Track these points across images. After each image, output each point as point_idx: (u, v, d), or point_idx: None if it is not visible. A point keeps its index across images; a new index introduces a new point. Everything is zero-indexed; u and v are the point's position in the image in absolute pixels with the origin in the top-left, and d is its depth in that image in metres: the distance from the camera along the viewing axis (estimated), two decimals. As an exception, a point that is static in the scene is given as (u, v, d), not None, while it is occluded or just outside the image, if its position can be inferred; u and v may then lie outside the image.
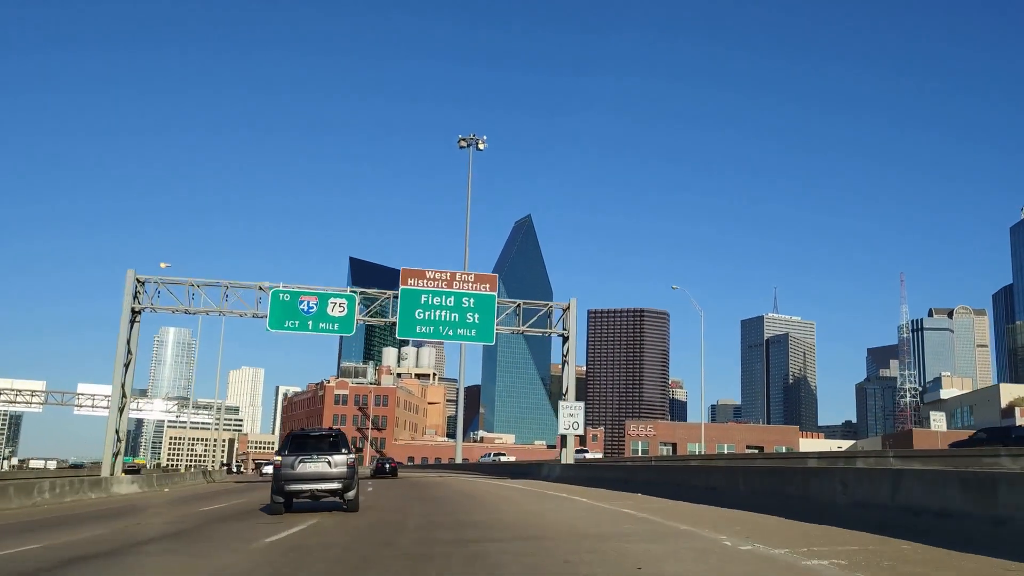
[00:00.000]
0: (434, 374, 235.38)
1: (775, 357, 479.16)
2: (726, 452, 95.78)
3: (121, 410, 39.92)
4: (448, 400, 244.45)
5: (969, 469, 13.75)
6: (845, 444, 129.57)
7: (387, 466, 56.43)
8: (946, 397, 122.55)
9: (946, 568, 8.60)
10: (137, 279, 40.36)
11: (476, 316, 41.92)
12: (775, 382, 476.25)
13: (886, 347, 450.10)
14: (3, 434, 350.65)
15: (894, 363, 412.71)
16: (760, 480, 18.31)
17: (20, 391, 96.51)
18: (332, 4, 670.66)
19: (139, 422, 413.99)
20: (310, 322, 40.97)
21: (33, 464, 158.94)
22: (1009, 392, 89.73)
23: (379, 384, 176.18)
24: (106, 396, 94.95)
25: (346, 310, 41.39)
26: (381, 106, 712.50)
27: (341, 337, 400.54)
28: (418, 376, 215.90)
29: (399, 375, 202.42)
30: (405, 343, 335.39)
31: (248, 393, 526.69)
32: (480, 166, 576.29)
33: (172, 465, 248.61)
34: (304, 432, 21.66)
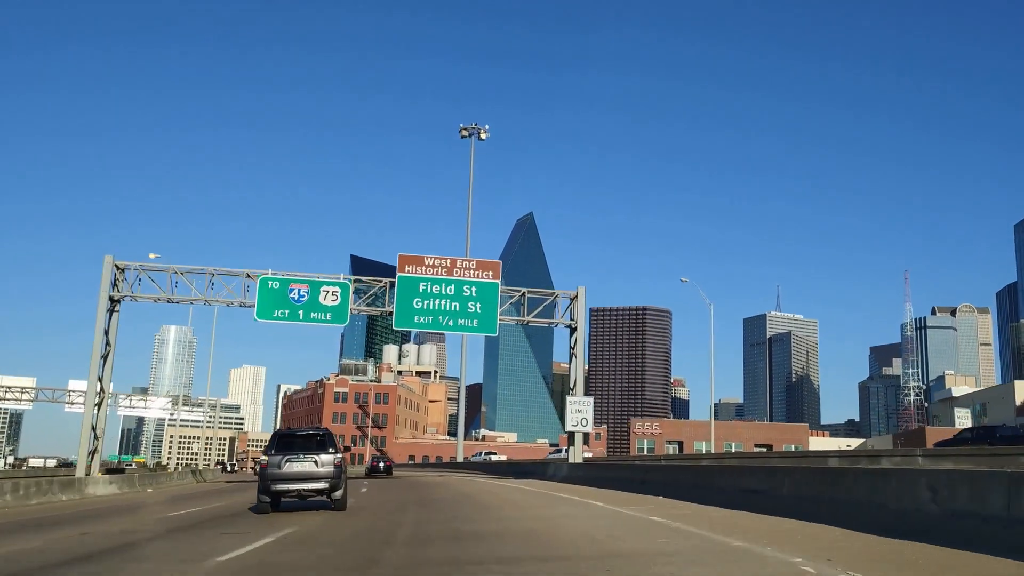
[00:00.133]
0: (435, 372, 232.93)
1: (778, 355, 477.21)
2: (734, 450, 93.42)
3: (98, 405, 37.36)
4: (449, 398, 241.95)
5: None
6: (854, 443, 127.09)
7: (382, 465, 54.42)
8: (958, 395, 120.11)
9: None
10: (116, 265, 37.77)
11: (478, 305, 39.27)
12: (778, 380, 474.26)
13: (889, 345, 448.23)
14: (3, 433, 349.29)
15: (897, 361, 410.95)
16: (808, 482, 15.69)
17: (10, 388, 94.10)
18: (332, 2, 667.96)
19: (140, 420, 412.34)
20: (301, 312, 38.37)
21: (33, 463, 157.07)
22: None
23: (379, 382, 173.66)
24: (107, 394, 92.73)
25: (339, 299, 38.80)
26: (381, 104, 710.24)
27: (343, 335, 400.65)
28: (419, 374, 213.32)
29: (400, 373, 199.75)
30: (406, 340, 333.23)
31: (249, 391, 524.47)
32: (481, 165, 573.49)
33: (176, 464, 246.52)
34: (291, 431, 21.42)
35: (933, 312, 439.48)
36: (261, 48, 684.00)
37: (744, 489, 18.21)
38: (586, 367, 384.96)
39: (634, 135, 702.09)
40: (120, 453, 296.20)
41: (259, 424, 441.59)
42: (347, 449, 26.79)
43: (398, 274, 39.42)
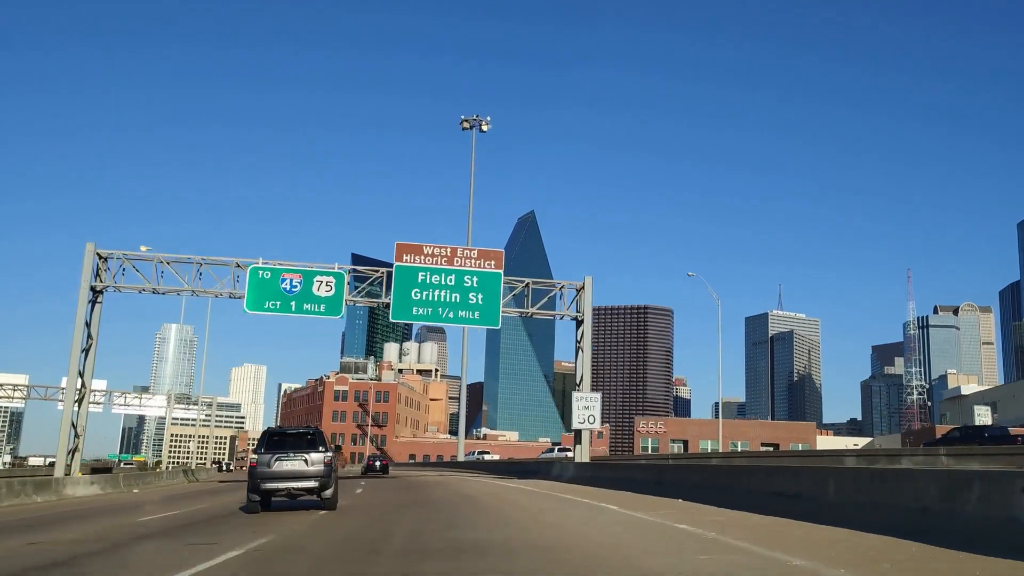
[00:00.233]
0: (436, 370, 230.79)
1: (780, 354, 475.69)
2: (739, 450, 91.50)
3: (79, 402, 35.43)
4: (451, 398, 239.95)
5: None
6: (861, 441, 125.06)
7: (378, 464, 52.81)
8: (967, 392, 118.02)
9: None
10: (98, 254, 35.82)
11: (480, 296, 37.27)
12: (779, 379, 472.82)
13: (891, 344, 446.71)
14: (3, 431, 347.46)
15: (899, 361, 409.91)
16: (861, 485, 13.69)
17: (2, 385, 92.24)
18: (333, 1, 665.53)
19: (141, 419, 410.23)
20: (293, 303, 36.42)
21: (33, 461, 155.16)
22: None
23: (380, 380, 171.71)
24: (91, 390, 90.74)
25: (334, 290, 36.83)
26: (381, 102, 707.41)
27: (344, 333, 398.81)
28: (420, 372, 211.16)
29: (400, 371, 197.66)
30: (407, 338, 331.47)
31: (250, 390, 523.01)
32: (482, 163, 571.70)
33: (173, 463, 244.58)
34: (281, 430, 21.10)
35: (935, 311, 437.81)
36: (261, 47, 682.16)
37: (777, 492, 16.22)
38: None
39: (635, 134, 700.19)
40: (121, 452, 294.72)
41: (260, 423, 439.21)
42: (338, 448, 25.17)
43: (395, 264, 37.48)
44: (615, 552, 10.86)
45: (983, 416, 55.03)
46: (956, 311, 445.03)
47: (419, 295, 37.07)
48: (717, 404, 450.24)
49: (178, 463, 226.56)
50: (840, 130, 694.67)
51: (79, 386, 35.29)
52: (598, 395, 37.76)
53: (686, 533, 12.43)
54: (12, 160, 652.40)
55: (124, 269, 36.40)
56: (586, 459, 37.75)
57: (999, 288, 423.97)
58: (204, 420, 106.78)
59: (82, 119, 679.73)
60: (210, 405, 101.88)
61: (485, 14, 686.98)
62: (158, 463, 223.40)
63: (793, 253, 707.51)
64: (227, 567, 10.11)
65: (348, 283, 37.76)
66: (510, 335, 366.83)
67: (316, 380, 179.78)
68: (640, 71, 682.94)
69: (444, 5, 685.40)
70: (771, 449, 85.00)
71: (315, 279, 36.70)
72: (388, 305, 37.56)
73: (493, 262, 37.91)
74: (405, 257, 37.52)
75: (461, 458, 76.76)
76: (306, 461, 19.40)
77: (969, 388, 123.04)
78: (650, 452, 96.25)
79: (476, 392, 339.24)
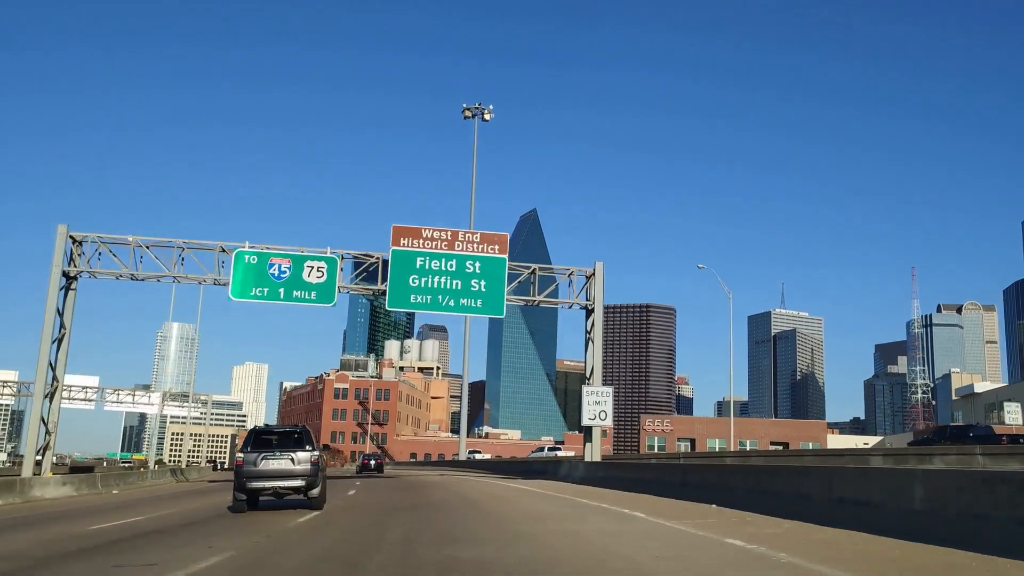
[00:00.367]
0: (438, 368, 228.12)
1: (782, 353, 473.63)
2: (748, 448, 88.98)
3: (50, 396, 32.80)
4: (452, 396, 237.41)
5: None
6: (871, 440, 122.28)
7: (373, 463, 50.34)
8: (980, 391, 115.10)
9: None
10: (71, 237, 33.22)
11: (482, 283, 34.59)
12: (782, 378, 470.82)
13: (894, 343, 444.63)
14: (4, 430, 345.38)
15: (902, 359, 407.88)
16: (962, 491, 11.06)
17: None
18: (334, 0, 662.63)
19: (142, 417, 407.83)
20: (281, 290, 33.81)
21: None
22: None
23: (381, 378, 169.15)
24: (84, 387, 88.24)
25: (325, 276, 34.22)
26: (381, 102, 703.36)
27: (345, 332, 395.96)
28: (421, 370, 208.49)
29: (401, 368, 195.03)
30: (409, 335, 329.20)
31: (252, 389, 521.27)
32: (484, 162, 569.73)
33: (176, 462, 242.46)
34: (267, 428, 20.97)
35: (939, 310, 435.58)
36: (261, 47, 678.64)
37: (840, 499, 13.58)
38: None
39: (636, 133, 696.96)
40: (122, 451, 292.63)
41: (261, 421, 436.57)
42: (326, 447, 23.44)
43: (392, 248, 34.84)
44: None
45: (1013, 414, 52.52)
46: (959, 310, 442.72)
47: (417, 282, 34.46)
48: (719, 403, 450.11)
49: (175, 462, 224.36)
50: (842, 128, 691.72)
51: (50, 380, 32.65)
52: (610, 389, 35.08)
53: (746, 553, 9.83)
54: (12, 160, 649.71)
55: (100, 253, 33.80)
56: (597, 458, 35.08)
57: (1003, 287, 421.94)
58: (198, 418, 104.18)
59: (82, 119, 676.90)
60: (205, 403, 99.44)
61: (485, 14, 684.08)
62: (159, 462, 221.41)
63: (796, 252, 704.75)
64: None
65: (341, 269, 35.12)
66: (512, 333, 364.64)
67: (316, 378, 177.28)
68: (642, 70, 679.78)
69: (444, 5, 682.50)
70: (780, 448, 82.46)
71: (305, 264, 34.10)
72: (384, 293, 34.96)
73: (497, 246, 35.27)
74: (402, 241, 34.92)
75: (462, 457, 74.19)
76: (293, 460, 19.20)
77: (983, 386, 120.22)
78: (656, 451, 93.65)
79: (478, 390, 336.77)
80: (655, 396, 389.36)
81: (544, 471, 40.00)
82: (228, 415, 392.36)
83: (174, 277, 34.26)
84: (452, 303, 34.58)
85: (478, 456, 76.99)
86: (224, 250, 34.36)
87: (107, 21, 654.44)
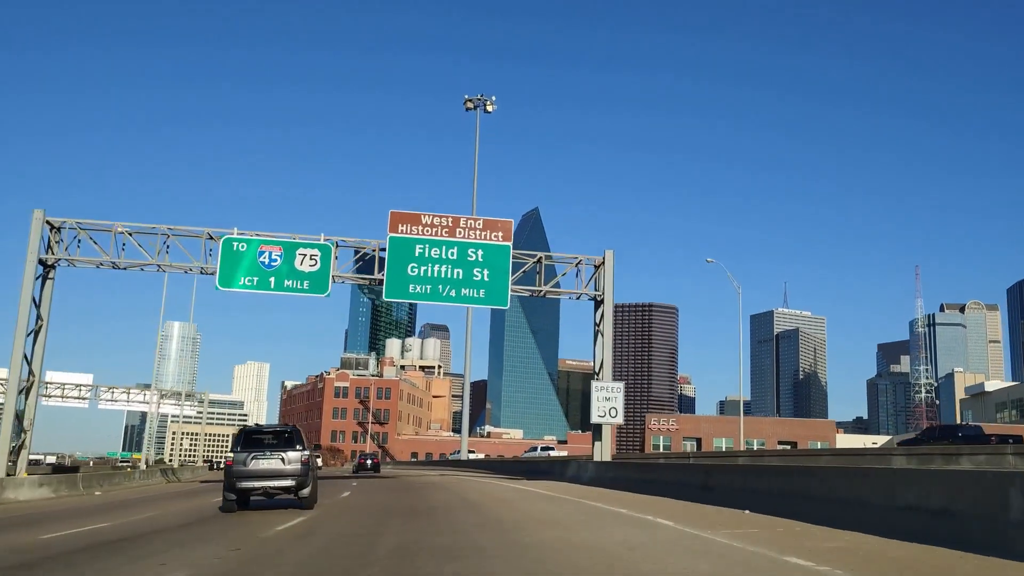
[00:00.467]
0: (439, 367, 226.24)
1: (785, 352, 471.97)
2: (756, 448, 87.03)
3: (25, 392, 30.88)
4: (454, 395, 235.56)
5: None
6: (879, 440, 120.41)
7: (369, 462, 48.88)
8: (991, 390, 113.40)
9: None
10: (48, 222, 31.31)
11: (485, 272, 32.64)
12: (785, 378, 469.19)
13: (897, 343, 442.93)
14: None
15: (904, 359, 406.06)
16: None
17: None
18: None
19: (143, 416, 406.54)
20: (272, 279, 31.88)
21: (31, 458, 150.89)
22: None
23: (381, 376, 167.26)
24: (77, 385, 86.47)
25: (319, 264, 32.31)
26: (381, 101, 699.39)
27: (347, 331, 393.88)
28: (423, 369, 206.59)
29: (403, 367, 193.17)
30: (410, 334, 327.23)
31: (253, 388, 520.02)
32: (484, 161, 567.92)
33: (174, 461, 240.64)
34: (258, 428, 21.01)
35: (942, 309, 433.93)
36: (261, 47, 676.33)
37: (909, 507, 11.59)
38: (591, 363, 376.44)
39: (638, 132, 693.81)
40: (123, 450, 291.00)
41: (262, 420, 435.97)
42: (316, 447, 22.17)
43: (389, 234, 32.92)
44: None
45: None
46: (962, 309, 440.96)
47: (416, 270, 32.52)
48: (721, 402, 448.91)
49: (174, 461, 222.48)
50: (844, 128, 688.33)
51: (26, 374, 30.72)
52: (621, 384, 33.08)
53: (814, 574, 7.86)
54: (12, 159, 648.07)
55: (79, 241, 31.90)
56: (607, 458, 33.10)
57: (1006, 286, 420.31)
58: (196, 417, 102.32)
59: (82, 119, 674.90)
60: (202, 402, 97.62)
61: (485, 13, 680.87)
62: (159, 461, 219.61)
63: (798, 251, 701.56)
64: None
65: (336, 257, 33.19)
66: (514, 332, 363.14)
67: (316, 377, 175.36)
68: (643, 69, 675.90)
69: (444, 4, 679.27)
70: (788, 447, 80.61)
71: (298, 252, 32.18)
72: (381, 283, 33.02)
73: (501, 234, 33.31)
74: (401, 227, 33.00)
75: (464, 456, 72.26)
76: (283, 460, 19.07)
77: (993, 385, 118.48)
78: (662, 450, 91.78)
79: (480, 389, 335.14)
80: (658, 395, 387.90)
81: (550, 471, 38.07)
82: (229, 414, 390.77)
83: (158, 265, 32.34)
84: (453, 293, 32.64)
85: (471, 456, 75.08)
86: (212, 237, 32.45)
87: (107, 21, 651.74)
